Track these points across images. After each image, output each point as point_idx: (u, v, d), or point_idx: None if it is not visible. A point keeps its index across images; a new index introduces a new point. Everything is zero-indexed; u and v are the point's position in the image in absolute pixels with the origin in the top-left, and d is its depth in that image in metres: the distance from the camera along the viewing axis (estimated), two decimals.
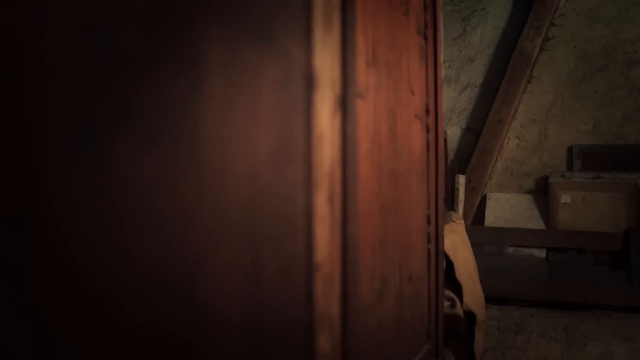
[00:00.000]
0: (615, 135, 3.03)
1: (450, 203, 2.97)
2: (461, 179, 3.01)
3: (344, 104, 0.72)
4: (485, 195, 3.14)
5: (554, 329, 2.55)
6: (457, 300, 1.77)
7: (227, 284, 0.49)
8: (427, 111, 1.51)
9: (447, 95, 3.21)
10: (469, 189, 3.08)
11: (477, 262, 3.03)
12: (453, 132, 3.23)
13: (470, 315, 1.78)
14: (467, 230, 3.07)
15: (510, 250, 3.03)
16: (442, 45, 1.63)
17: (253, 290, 0.52)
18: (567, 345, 2.40)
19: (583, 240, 2.95)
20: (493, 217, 3.11)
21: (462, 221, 2.32)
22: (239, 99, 0.52)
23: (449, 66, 3.23)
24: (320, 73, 0.65)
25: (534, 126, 3.12)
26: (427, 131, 1.51)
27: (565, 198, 2.98)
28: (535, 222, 3.05)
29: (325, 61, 0.68)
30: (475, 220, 3.12)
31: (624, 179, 2.96)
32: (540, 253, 2.99)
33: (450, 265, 1.77)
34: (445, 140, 2.16)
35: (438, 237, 1.55)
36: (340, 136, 0.71)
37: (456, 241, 1.90)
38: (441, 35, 1.61)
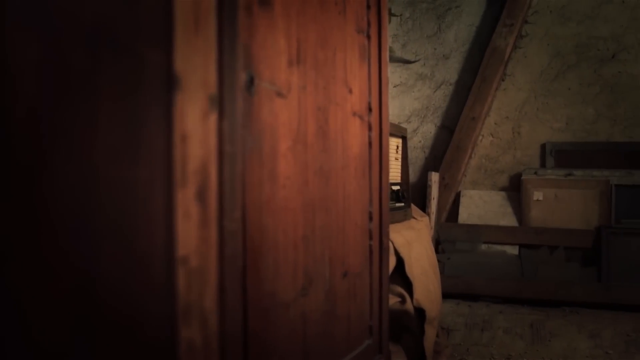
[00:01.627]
0: (587, 132, 3.04)
1: (422, 200, 2.98)
2: (434, 176, 3.02)
3: (222, 104, 0.74)
4: (459, 192, 3.15)
5: (521, 325, 2.57)
6: (407, 296, 1.79)
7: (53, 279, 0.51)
8: (370, 109, 1.53)
9: (422, 93, 3.22)
10: (443, 186, 3.09)
11: (451, 259, 3.06)
12: (428, 129, 3.24)
13: (421, 312, 1.80)
14: (441, 228, 3.08)
15: (483, 247, 3.05)
16: (388, 44, 1.64)
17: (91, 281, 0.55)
18: (531, 342, 2.42)
19: (555, 237, 2.96)
20: (467, 214, 3.12)
21: (426, 218, 2.34)
22: (70, 104, 0.54)
23: (424, 64, 3.24)
24: (186, 74, 0.67)
25: (508, 123, 3.13)
26: (370, 129, 1.52)
27: (537, 195, 2.99)
28: (509, 219, 3.07)
29: (195, 62, 0.69)
30: (450, 218, 3.13)
31: (596, 175, 2.96)
32: (513, 250, 3.01)
33: (401, 261, 1.78)
34: (405, 137, 2.17)
35: (382, 234, 1.57)
36: (217, 135, 0.73)
37: (411, 238, 1.92)
38: (386, 34, 1.62)
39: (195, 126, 0.69)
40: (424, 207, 3.00)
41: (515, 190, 3.08)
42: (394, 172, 2.10)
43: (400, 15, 3.27)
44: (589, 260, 2.92)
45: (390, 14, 3.29)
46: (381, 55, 1.60)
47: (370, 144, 1.53)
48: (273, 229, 1.11)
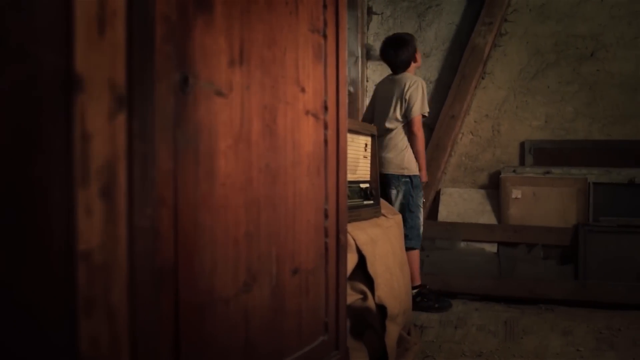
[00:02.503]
0: (566, 130, 3.05)
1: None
2: None
3: (131, 104, 0.76)
4: (439, 190, 3.16)
5: (495, 322, 2.58)
6: (369, 293, 1.80)
7: None
8: (326, 108, 1.54)
9: None
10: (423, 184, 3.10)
11: (430, 256, 3.07)
12: None
13: (382, 309, 1.81)
14: (423, 225, 3.08)
15: (462, 245, 3.06)
16: (346, 43, 1.65)
17: None
18: (504, 339, 2.43)
19: (533, 235, 2.97)
20: (446, 212, 3.13)
21: (399, 216, 2.35)
22: None
23: None
24: (89, 76, 0.69)
25: (487, 122, 3.14)
26: (326, 127, 1.54)
27: (516, 193, 3.00)
28: (488, 217, 3.08)
29: (100, 64, 0.71)
30: (430, 215, 3.15)
31: (574, 174, 2.97)
32: (492, 248, 3.02)
33: (363, 259, 1.80)
34: (374, 136, 2.19)
35: (339, 232, 1.58)
36: (126, 134, 0.75)
37: (376, 235, 1.93)
38: (345, 33, 1.63)
39: (100, 126, 0.71)
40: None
41: (494, 188, 3.09)
42: (363, 170, 2.11)
43: (382, 13, 3.28)
44: (567, 258, 2.93)
45: (372, 13, 3.30)
46: (339, 54, 1.61)
47: (326, 142, 1.54)
48: (211, 226, 1.12)
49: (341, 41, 1.63)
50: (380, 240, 1.95)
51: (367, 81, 3.31)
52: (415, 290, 2.72)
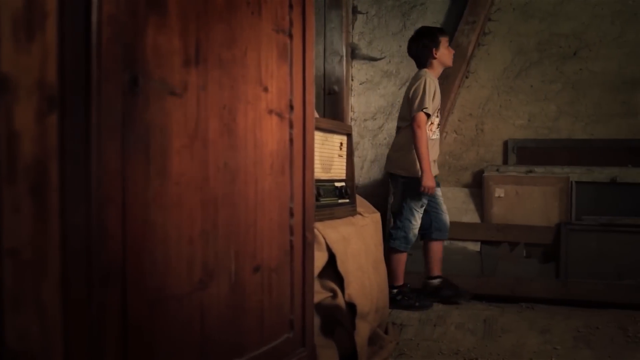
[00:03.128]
0: (549, 129, 3.06)
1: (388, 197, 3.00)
2: None
3: (63, 104, 0.77)
4: None
5: (474, 321, 2.59)
6: (339, 291, 1.81)
7: None
8: (291, 107, 1.55)
9: (388, 90, 3.25)
10: None
11: (413, 255, 3.07)
12: (393, 126, 3.25)
13: (352, 307, 1.83)
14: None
15: (445, 243, 3.07)
16: (313, 43, 1.66)
17: None
18: (482, 337, 2.44)
19: (515, 234, 2.98)
20: None
21: (377, 214, 2.36)
22: None
23: (389, 61, 3.26)
24: (16, 77, 0.70)
25: (471, 120, 3.15)
26: (291, 127, 1.55)
27: (499, 192, 3.01)
28: (471, 216, 3.09)
29: (29, 66, 0.72)
30: None
31: (556, 172, 2.98)
32: (474, 246, 3.03)
33: (333, 257, 1.81)
34: (350, 135, 2.20)
35: (305, 230, 1.60)
36: (58, 133, 0.76)
37: (349, 234, 1.95)
38: (312, 33, 1.64)
39: (28, 125, 0.72)
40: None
41: (478, 187, 3.09)
42: (338, 169, 2.13)
43: (367, 12, 3.29)
44: (549, 257, 2.94)
45: (357, 12, 3.31)
46: (305, 54, 1.62)
47: (291, 141, 1.55)
48: (163, 225, 1.13)
49: (308, 41, 1.64)
50: (353, 239, 1.96)
51: (352, 80, 3.32)
52: (396, 290, 2.74)
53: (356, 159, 3.33)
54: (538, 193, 2.96)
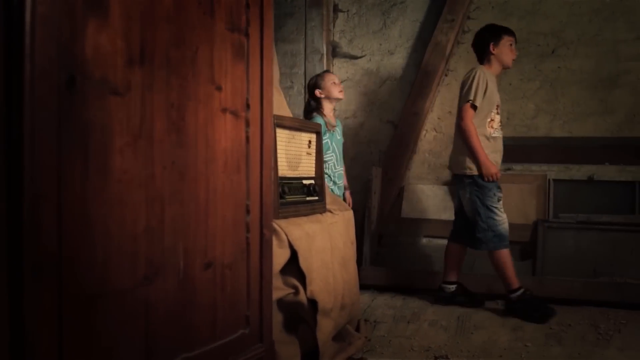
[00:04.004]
0: (527, 127, 3.06)
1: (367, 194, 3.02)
2: (375, 171, 3.06)
3: None
4: (403, 186, 3.18)
5: (448, 318, 2.60)
6: (300, 288, 1.83)
7: None
8: (248, 106, 1.57)
9: (368, 88, 3.26)
10: (387, 180, 3.13)
11: (392, 252, 3.08)
12: (373, 124, 3.27)
13: (314, 303, 1.84)
14: (384, 221, 3.10)
15: (424, 240, 3.08)
16: (272, 42, 1.68)
17: None
18: (454, 334, 2.45)
19: None
20: (409, 208, 3.15)
21: (349, 212, 2.37)
22: None
23: (370, 59, 3.27)
24: None
25: (451, 118, 3.15)
26: (247, 125, 1.56)
27: None
28: (450, 213, 3.09)
29: None
30: (393, 211, 3.17)
31: (534, 170, 2.99)
32: None
33: (295, 254, 1.83)
34: (319, 133, 2.21)
35: (263, 227, 1.61)
36: None
37: (315, 231, 1.96)
38: (270, 32, 1.66)
39: None
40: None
41: None
42: (306, 167, 2.14)
43: (347, 11, 3.30)
44: (527, 254, 2.95)
45: (338, 10, 3.32)
46: (263, 53, 1.63)
47: (247, 139, 1.57)
48: (104, 221, 1.15)
49: (266, 40, 1.65)
50: (318, 236, 1.98)
51: None
52: (515, 295, 2.59)
53: None
54: (516, 191, 2.97)
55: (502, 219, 2.60)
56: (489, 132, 2.61)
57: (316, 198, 2.15)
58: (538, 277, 2.83)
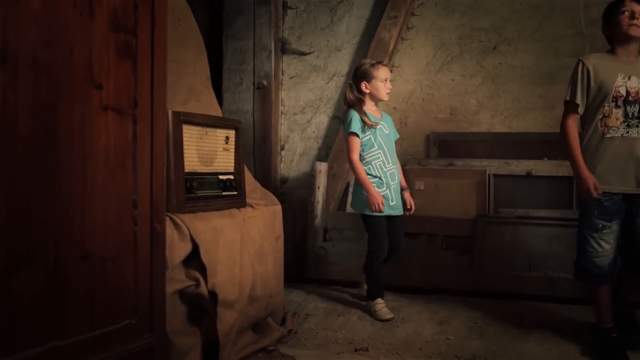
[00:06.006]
0: (470, 122, 3.08)
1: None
2: (319, 166, 3.09)
3: None
4: (349, 182, 3.22)
5: None
6: (202, 280, 1.88)
7: None
8: (135, 104, 1.61)
9: (316, 84, 3.29)
10: (331, 176, 3.17)
11: (336, 247, 3.12)
12: (321, 120, 3.31)
13: (215, 295, 1.89)
14: (329, 217, 3.14)
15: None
16: (166, 41, 1.72)
17: None
18: (380, 328, 2.50)
19: (434, 226, 3.02)
20: None
21: (275, 207, 2.41)
22: None
23: (318, 56, 3.30)
24: None
25: (396, 114, 3.19)
26: (135, 122, 1.61)
27: (419, 185, 3.05)
28: None
29: None
30: (340, 207, 3.21)
31: (475, 165, 3.01)
32: None
33: (197, 247, 1.88)
34: (238, 129, 2.25)
35: (154, 221, 1.66)
36: None
37: (224, 225, 2.01)
38: (163, 32, 1.70)
39: None
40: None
41: None
42: (223, 162, 2.19)
43: (296, 8, 3.33)
44: (466, 249, 2.98)
45: (287, 7, 3.35)
46: (154, 52, 1.68)
47: (135, 136, 1.62)
48: None
49: (157, 39, 1.69)
50: (227, 230, 2.03)
51: (282, 74, 3.37)
52: (602, 333, 2.16)
53: (286, 153, 3.39)
54: (456, 186, 3.00)
55: (597, 252, 2.14)
56: (600, 131, 2.14)
57: (234, 193, 2.20)
58: (474, 271, 2.86)
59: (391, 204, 2.59)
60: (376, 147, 2.57)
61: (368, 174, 2.56)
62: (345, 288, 3.00)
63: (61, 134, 1.41)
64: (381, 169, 2.58)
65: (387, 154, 2.59)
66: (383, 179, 2.58)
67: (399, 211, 2.63)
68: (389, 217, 2.61)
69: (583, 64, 2.18)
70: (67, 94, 1.42)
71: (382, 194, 2.56)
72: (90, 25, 1.49)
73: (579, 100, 2.19)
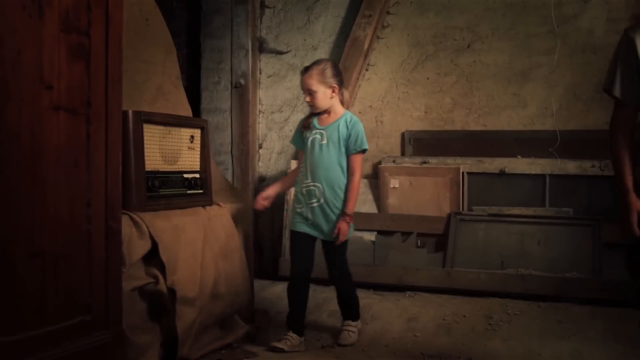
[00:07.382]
0: (444, 121, 3.10)
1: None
2: (294, 164, 3.11)
3: None
4: None
5: None
6: (161, 277, 1.90)
7: None
8: (89, 104, 1.63)
9: (293, 83, 3.31)
10: None
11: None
12: (298, 119, 3.30)
13: (174, 292, 1.92)
14: None
15: None
16: (121, 41, 1.74)
17: None
18: None
19: (409, 224, 3.04)
20: None
21: (241, 205, 2.44)
22: None
23: (295, 55, 3.32)
24: None
25: (371, 112, 3.20)
26: (89, 122, 1.63)
27: (394, 183, 3.07)
28: (369, 206, 3.15)
29: None
30: None
31: (448, 163, 3.03)
32: (370, 236, 3.09)
33: (157, 245, 1.90)
34: (204, 128, 2.27)
35: (108, 219, 1.68)
36: None
37: (185, 223, 2.03)
38: (117, 33, 1.71)
39: None
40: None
41: (377, 178, 3.15)
42: (187, 161, 2.21)
43: (274, 7, 3.35)
44: (440, 246, 3.00)
45: (264, 6, 3.37)
46: (108, 53, 1.70)
47: (89, 136, 1.64)
48: None
49: (112, 40, 1.71)
50: (189, 228, 2.05)
51: (260, 73, 3.39)
52: None
53: (264, 151, 3.41)
54: (430, 184, 3.01)
55: None
56: None
57: (200, 191, 2.22)
58: (447, 269, 2.88)
59: (309, 223, 2.25)
60: (306, 157, 2.25)
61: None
62: (318, 286, 3.02)
63: (8, 133, 1.43)
64: (301, 182, 2.25)
65: (313, 167, 2.21)
66: (299, 195, 2.25)
67: (324, 236, 2.27)
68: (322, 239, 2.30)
69: (629, 37, 1.56)
70: (15, 94, 1.44)
71: (299, 210, 2.24)
72: (40, 27, 1.51)
73: (617, 91, 1.62)
